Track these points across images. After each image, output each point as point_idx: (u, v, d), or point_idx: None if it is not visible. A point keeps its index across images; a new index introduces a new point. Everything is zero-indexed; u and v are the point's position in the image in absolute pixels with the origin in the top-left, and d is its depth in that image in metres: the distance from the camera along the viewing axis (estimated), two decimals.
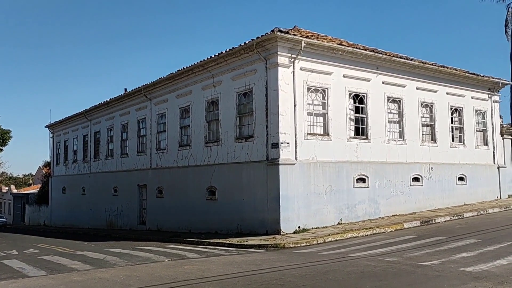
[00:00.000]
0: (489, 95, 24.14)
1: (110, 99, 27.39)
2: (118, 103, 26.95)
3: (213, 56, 18.11)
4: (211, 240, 15.55)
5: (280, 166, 15.40)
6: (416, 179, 19.97)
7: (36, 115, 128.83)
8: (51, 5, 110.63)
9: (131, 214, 25.19)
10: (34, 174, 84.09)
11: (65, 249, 16.39)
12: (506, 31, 36.02)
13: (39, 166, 69.84)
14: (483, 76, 23.35)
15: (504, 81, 24.91)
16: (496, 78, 24.05)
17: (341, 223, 16.80)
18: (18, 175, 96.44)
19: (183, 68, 20.09)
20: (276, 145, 15.59)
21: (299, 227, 15.59)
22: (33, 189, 54.89)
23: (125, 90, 27.19)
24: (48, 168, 45.47)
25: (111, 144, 28.08)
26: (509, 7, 35.83)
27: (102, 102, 28.40)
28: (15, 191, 59.22)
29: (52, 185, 37.71)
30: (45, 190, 41.35)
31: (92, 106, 29.82)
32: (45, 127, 38.54)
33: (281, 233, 15.07)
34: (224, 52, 17.48)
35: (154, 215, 22.94)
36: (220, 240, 15.24)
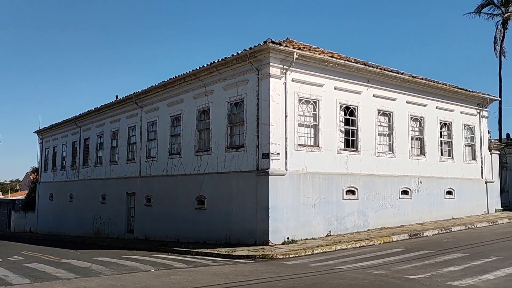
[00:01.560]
0: (478, 111, 24.44)
1: (101, 106, 27.25)
2: (109, 110, 26.82)
3: (205, 65, 18.14)
4: (199, 250, 15.43)
5: (270, 176, 15.38)
6: (405, 192, 20.07)
7: (25, 121, 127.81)
8: (42, 11, 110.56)
9: (118, 222, 24.94)
10: (21, 180, 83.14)
11: (51, 257, 16.15)
12: (495, 48, 36.63)
13: (27, 172, 69.13)
14: (472, 92, 23.65)
15: (492, 97, 25.25)
16: (484, 94, 24.37)
17: (330, 235, 16.79)
18: (5, 180, 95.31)
19: (175, 76, 20.09)
20: (266, 156, 15.59)
21: (287, 238, 15.54)
22: (20, 195, 54.18)
23: (116, 97, 27.13)
24: (35, 174, 44.94)
25: (101, 151, 27.87)
26: (497, 25, 36.50)
27: (93, 109, 28.24)
28: (1, 197, 58.51)
29: (39, 192, 37.24)
30: (32, 196, 40.81)
31: (82, 113, 29.64)
32: (34, 132, 38.15)
33: (270, 244, 15.01)
34: (216, 61, 17.52)
35: (142, 224, 22.74)
36: (208, 250, 15.13)
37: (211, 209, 18.02)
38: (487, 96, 24.61)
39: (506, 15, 35.79)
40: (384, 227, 18.62)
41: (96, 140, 28.45)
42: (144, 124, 23.23)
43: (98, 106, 27.57)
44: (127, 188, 24.32)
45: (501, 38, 36.10)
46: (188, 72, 19.17)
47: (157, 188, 21.78)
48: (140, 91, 23.02)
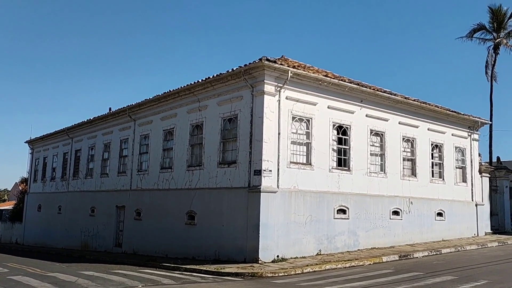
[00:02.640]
0: (469, 133, 24.67)
1: (94, 117, 27.14)
2: (101, 122, 26.72)
3: (200, 80, 18.20)
4: (188, 266, 15.24)
5: (261, 193, 15.33)
6: (395, 213, 20.08)
7: (16, 130, 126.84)
8: (35, 22, 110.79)
9: (107, 235, 24.62)
10: (10, 190, 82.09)
11: (36, 270, 15.86)
12: (486, 72, 37.18)
13: (16, 182, 68.23)
14: (463, 114, 23.91)
15: (483, 120, 25.54)
16: (475, 117, 24.65)
17: (320, 254, 16.69)
18: None
19: (170, 90, 20.12)
20: (258, 172, 15.56)
21: (277, 256, 15.43)
22: (8, 205, 53.39)
23: (110, 109, 27.07)
24: (24, 184, 44.41)
25: (92, 163, 27.67)
26: (489, 49, 37.13)
27: (86, 121, 28.12)
28: None
29: (27, 202, 36.74)
30: (20, 207, 40.23)
31: (74, 124, 29.48)
32: (25, 142, 37.83)
33: (259, 261, 14.87)
34: (211, 77, 17.59)
35: (131, 238, 22.47)
36: (197, 267, 14.96)
37: (201, 225, 17.88)
38: (478, 119, 24.89)
39: (498, 40, 36.44)
40: (375, 247, 18.56)
41: (88, 151, 28.25)
42: (137, 137, 23.15)
43: (91, 118, 27.46)
44: (117, 201, 24.09)
45: (493, 62, 36.69)
46: (182, 86, 19.22)
47: (148, 202, 21.60)
48: (133, 104, 22.99)
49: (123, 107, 23.95)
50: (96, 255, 22.05)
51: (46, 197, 33.34)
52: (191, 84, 18.72)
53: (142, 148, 22.79)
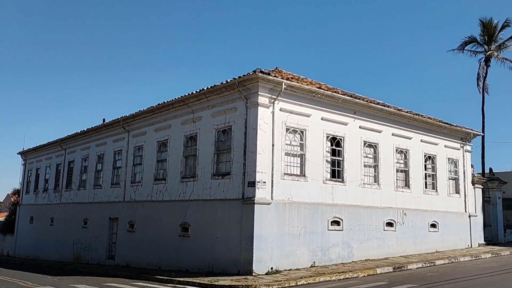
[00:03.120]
0: (461, 145, 24.85)
1: (87, 129, 27.07)
2: (95, 133, 26.65)
3: (194, 92, 18.25)
4: (181, 279, 15.13)
5: (255, 205, 15.30)
6: (389, 224, 20.10)
7: (9, 141, 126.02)
8: (27, 29, 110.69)
9: (100, 248, 24.41)
10: (1, 201, 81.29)
11: (27, 283, 15.68)
12: (478, 84, 37.53)
13: (8, 194, 67.60)
14: (455, 126, 24.10)
15: (475, 132, 25.74)
16: (468, 129, 24.85)
17: (314, 266, 16.64)
18: None
19: (164, 102, 20.14)
20: (252, 184, 15.55)
21: (271, 268, 15.36)
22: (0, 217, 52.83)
23: (104, 120, 27.00)
24: (17, 196, 44.01)
25: (85, 174, 27.52)
26: (480, 62, 37.55)
27: (79, 132, 28.02)
28: None
29: (19, 214, 36.38)
30: (12, 218, 39.82)
31: (68, 135, 29.37)
32: (18, 153, 37.62)
33: (253, 274, 14.80)
34: (205, 89, 17.65)
35: (124, 250, 22.29)
36: (191, 279, 14.85)
37: (195, 237, 17.79)
38: (471, 131, 25.09)
39: (489, 53, 36.88)
40: (369, 259, 18.54)
41: (81, 163, 28.12)
42: (131, 148, 23.09)
43: (85, 129, 27.38)
44: (110, 213, 23.94)
45: (484, 75, 37.07)
46: (176, 98, 19.25)
47: (141, 213, 21.48)
48: (127, 115, 22.97)
49: (117, 118, 23.92)
50: (88, 268, 21.83)
51: (39, 209, 33.05)
52: (185, 95, 18.76)
53: (136, 159, 22.72)
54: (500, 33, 37.05)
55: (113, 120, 24.47)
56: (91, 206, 26.06)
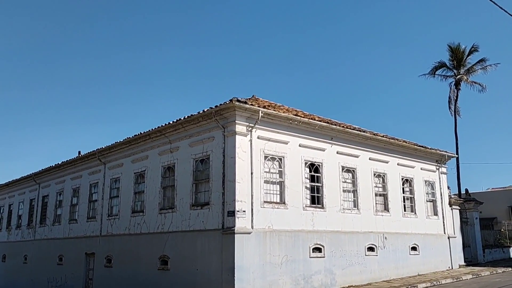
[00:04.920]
0: (437, 167, 25.27)
1: (62, 162, 26.50)
2: (70, 166, 26.10)
3: (171, 122, 18.16)
4: None
5: (236, 235, 15.08)
6: (371, 249, 20.06)
7: None
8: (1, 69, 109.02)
9: (76, 285, 23.52)
10: None
11: None
12: (449, 107, 38.58)
13: None
14: (430, 149, 24.55)
15: (449, 154, 26.26)
16: (442, 151, 25.34)
17: None
18: None
19: (140, 133, 19.95)
20: (232, 213, 15.37)
21: None
22: None
23: (79, 153, 26.50)
24: None
25: (60, 209, 26.77)
26: (451, 85, 38.70)
27: (53, 165, 27.39)
28: None
29: None
30: None
31: (42, 169, 28.69)
32: None
33: None
34: (182, 118, 17.58)
35: (102, 287, 21.53)
36: None
37: (175, 270, 17.36)
38: (445, 153, 25.58)
39: (458, 77, 38.08)
40: (352, 285, 18.38)
41: (56, 197, 27.39)
42: (107, 180, 22.65)
43: (59, 163, 26.80)
44: (86, 248, 23.22)
45: (455, 98, 38.15)
46: (153, 128, 19.11)
47: (119, 248, 20.91)
48: (103, 147, 22.63)
49: (93, 151, 23.52)
50: None
51: (11, 246, 31.86)
52: (162, 126, 18.64)
53: (112, 192, 22.25)
54: (468, 58, 38.38)
55: (88, 152, 24.05)
56: (66, 241, 25.27)
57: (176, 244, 17.52)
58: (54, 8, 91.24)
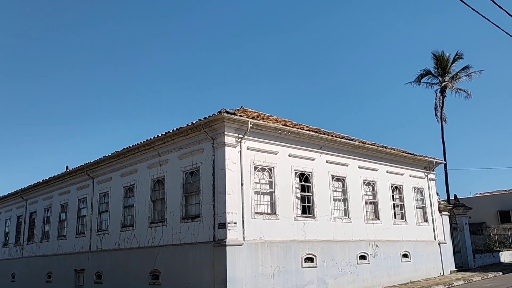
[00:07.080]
0: (426, 174, 25.46)
1: (50, 177, 26.16)
2: (58, 181, 25.78)
3: (160, 135, 18.08)
4: None
5: (227, 247, 14.97)
6: (362, 257, 20.05)
7: None
8: None
9: None
10: None
11: None
12: (436, 114, 38.96)
13: None
14: (418, 156, 24.75)
15: (437, 160, 26.49)
16: (430, 158, 25.55)
17: None
18: None
19: (129, 146, 19.81)
20: (223, 225, 15.27)
21: None
22: None
23: (67, 168, 26.17)
24: None
25: (48, 225, 26.38)
26: (436, 93, 39.15)
27: (41, 181, 27.04)
28: None
29: None
30: None
31: (29, 185, 28.29)
32: None
33: None
34: (171, 131, 17.51)
35: None
36: None
37: (166, 284, 17.14)
38: (433, 159, 25.80)
39: (444, 84, 38.54)
40: None
41: (43, 213, 27.00)
42: (96, 195, 22.40)
43: (47, 178, 26.47)
44: (76, 265, 22.87)
45: (441, 105, 38.57)
46: (142, 142, 19.00)
47: (108, 263, 20.62)
48: (92, 161, 22.41)
49: (81, 165, 23.26)
50: None
51: None
52: (151, 139, 18.54)
53: (101, 206, 22.00)
54: (452, 65, 38.88)
55: (76, 167, 23.79)
56: (55, 258, 24.86)
57: (167, 258, 17.34)
58: (32, 19, 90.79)
